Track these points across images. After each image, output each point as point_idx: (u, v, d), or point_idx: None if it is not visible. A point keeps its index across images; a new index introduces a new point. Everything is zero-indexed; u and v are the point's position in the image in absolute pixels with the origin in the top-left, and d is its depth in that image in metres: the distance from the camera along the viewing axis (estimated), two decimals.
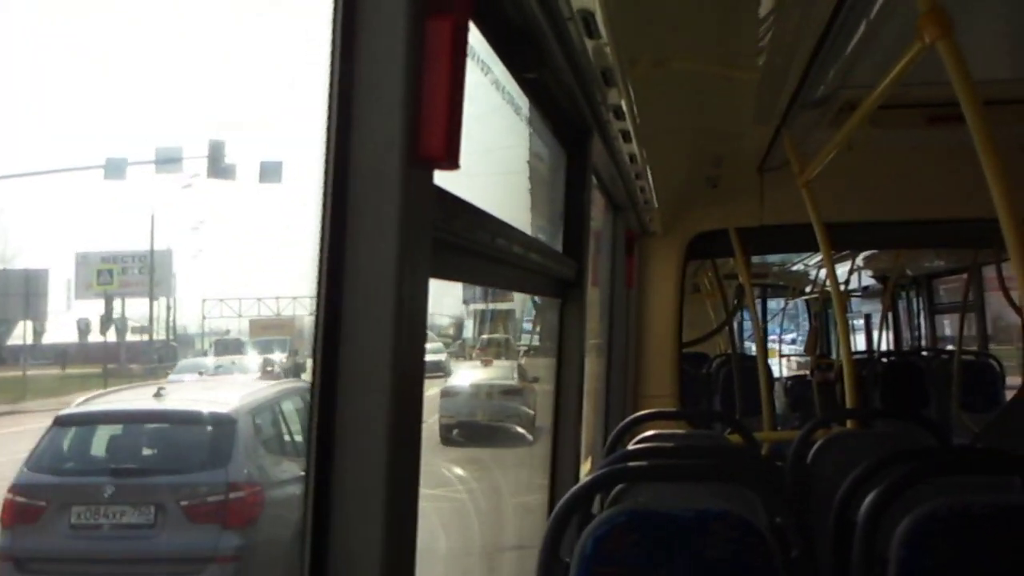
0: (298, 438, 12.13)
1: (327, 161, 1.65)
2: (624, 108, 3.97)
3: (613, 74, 3.54)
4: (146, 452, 12.21)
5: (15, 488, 11.33)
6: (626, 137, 4.46)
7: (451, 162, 1.74)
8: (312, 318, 1.66)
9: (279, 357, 43.43)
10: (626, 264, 6.89)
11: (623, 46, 3.32)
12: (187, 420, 12.41)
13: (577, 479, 4.16)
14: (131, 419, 12.58)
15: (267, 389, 14.82)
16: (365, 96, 1.66)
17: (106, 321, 49.80)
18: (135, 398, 15.10)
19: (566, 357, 4.19)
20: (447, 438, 18.57)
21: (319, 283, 1.65)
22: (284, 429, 12.50)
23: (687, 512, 3.02)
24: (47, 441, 12.00)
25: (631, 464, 3.90)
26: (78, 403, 14.49)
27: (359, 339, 1.66)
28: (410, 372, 1.72)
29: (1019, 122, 5.41)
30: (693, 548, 2.99)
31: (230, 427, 11.68)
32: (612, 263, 6.76)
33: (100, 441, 12.23)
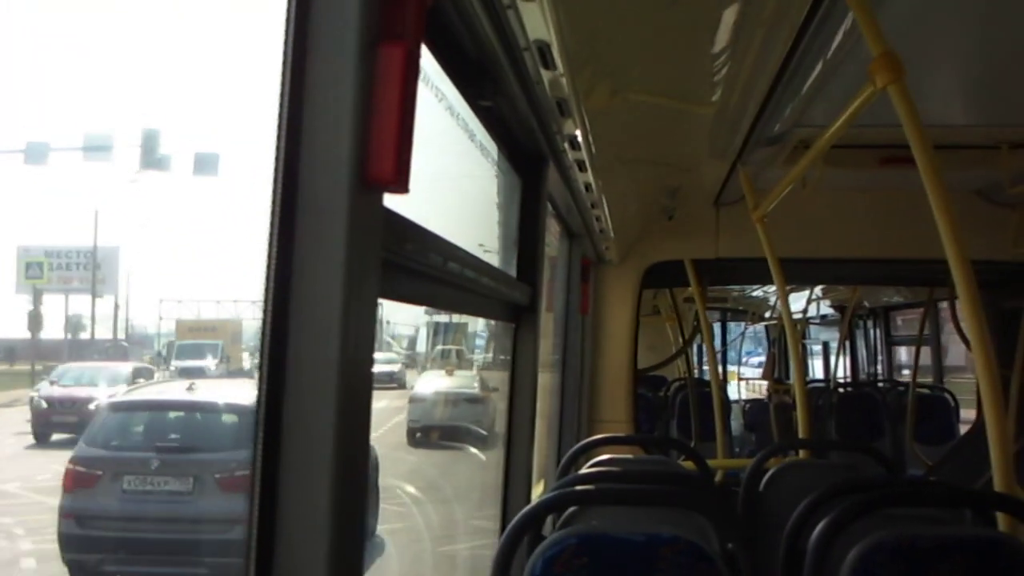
0: None
1: (275, 180, 1.66)
2: (579, 138, 4.01)
3: (568, 104, 3.57)
4: (184, 434, 14.77)
5: (75, 460, 14.19)
6: (581, 167, 4.49)
7: (401, 185, 1.76)
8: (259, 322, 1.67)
9: (210, 363, 41.81)
10: (581, 291, 6.94)
11: (578, 77, 3.36)
12: (216, 410, 15.23)
13: (528, 500, 4.18)
14: (170, 407, 15.56)
15: None
16: (315, 118, 1.67)
17: (34, 317, 48.98)
18: (173, 390, 19.10)
19: (519, 381, 4.21)
20: (414, 440, 20.21)
21: (266, 302, 1.66)
22: None
23: (638, 536, 3.05)
24: (100, 422, 15.19)
25: (582, 487, 3.93)
26: (125, 392, 20.13)
27: (305, 359, 1.66)
28: (357, 393, 1.72)
29: (969, 166, 5.51)
30: (643, 572, 3.01)
31: (250, 416, 13.31)
32: (567, 289, 6.81)
33: (145, 424, 15.10)
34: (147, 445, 14.42)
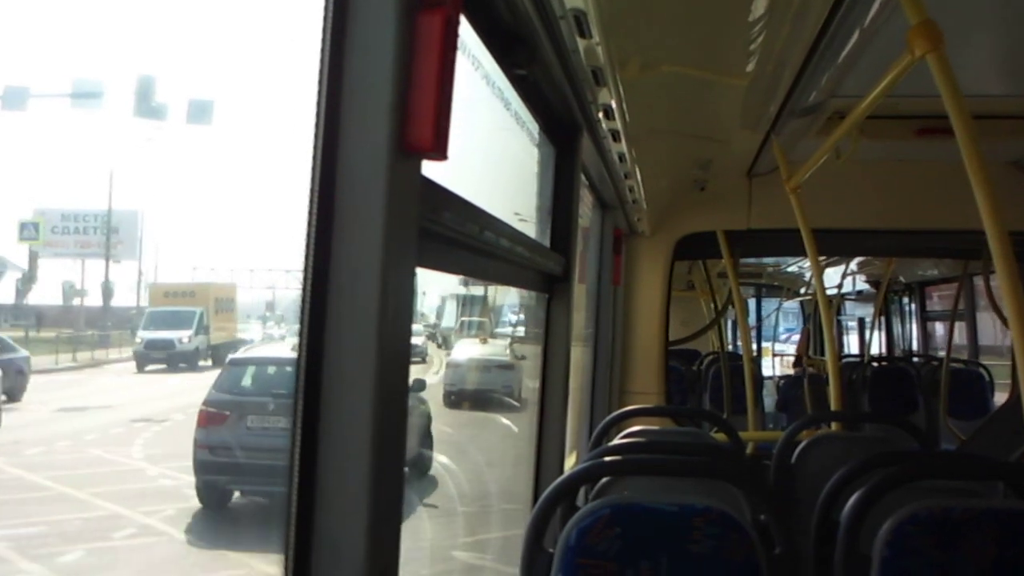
0: None
1: (315, 149, 1.67)
2: (614, 108, 4.00)
3: (603, 74, 3.57)
4: (287, 383, 17.04)
5: (207, 402, 17.72)
6: (615, 137, 4.48)
7: (439, 153, 1.76)
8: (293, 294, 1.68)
9: (184, 336, 38.79)
10: (613, 262, 6.93)
11: (614, 47, 3.35)
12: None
13: (562, 472, 4.19)
14: (274, 363, 19.43)
15: None
16: (355, 86, 1.68)
17: (27, 280, 48.02)
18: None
19: (552, 351, 4.22)
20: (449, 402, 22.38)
21: (305, 270, 1.66)
22: None
23: (671, 506, 3.05)
24: (224, 374, 19.33)
25: (615, 458, 3.93)
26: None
27: (344, 327, 1.67)
28: (396, 361, 1.73)
29: (1007, 137, 5.47)
30: (676, 542, 3.02)
31: None
32: (599, 261, 6.80)
33: (256, 375, 18.98)
34: (263, 391, 17.99)
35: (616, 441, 4.92)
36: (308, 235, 1.66)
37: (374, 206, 1.67)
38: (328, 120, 1.67)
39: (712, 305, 12.27)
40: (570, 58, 3.37)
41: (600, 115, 4.11)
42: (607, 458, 3.82)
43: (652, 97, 4.30)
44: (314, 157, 1.67)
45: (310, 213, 1.67)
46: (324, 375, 1.67)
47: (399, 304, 1.73)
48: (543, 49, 3.11)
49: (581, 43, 3.23)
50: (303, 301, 1.67)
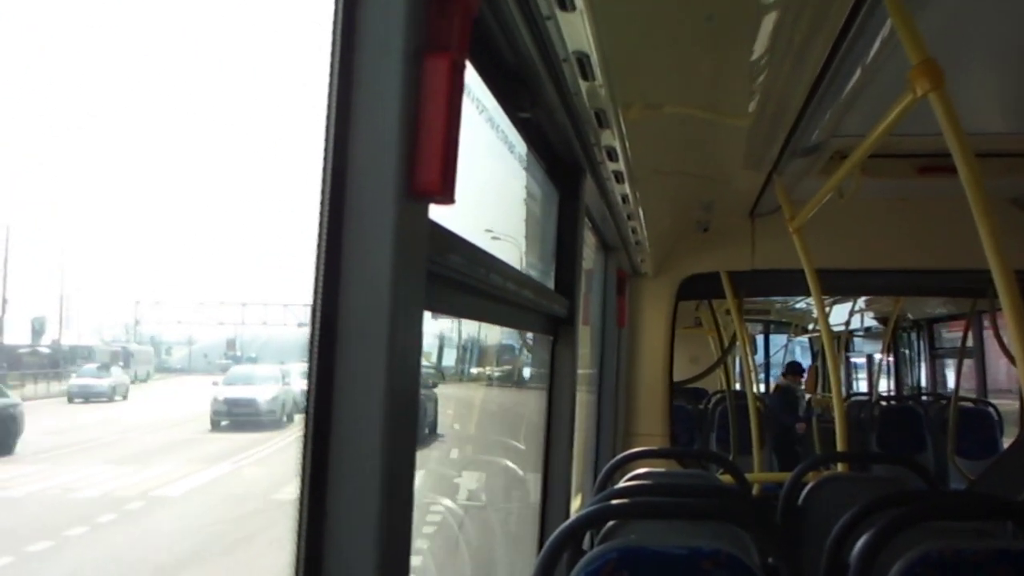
0: None
1: (323, 192, 1.67)
2: (617, 149, 4.01)
3: (606, 115, 3.58)
4: None
5: None
6: (618, 178, 4.49)
7: (447, 196, 1.76)
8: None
9: None
10: (617, 304, 6.93)
11: (617, 88, 3.36)
12: None
13: (567, 515, 4.17)
14: None
15: None
16: (362, 128, 1.68)
17: None
18: None
19: (557, 393, 4.20)
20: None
21: (313, 313, 1.66)
22: None
23: (680, 550, 3.04)
24: None
25: (622, 501, 3.91)
26: None
27: (353, 371, 1.66)
28: (405, 404, 1.73)
29: (1007, 174, 5.48)
30: None
31: None
32: (603, 302, 6.80)
33: None
34: None
35: (621, 484, 4.90)
36: (316, 279, 1.66)
37: (382, 249, 1.66)
38: (336, 163, 1.67)
39: (719, 343, 12.25)
40: (573, 100, 3.38)
41: (603, 156, 4.12)
42: (614, 501, 3.80)
43: (655, 138, 4.31)
44: (321, 201, 1.67)
45: (318, 256, 1.66)
46: (334, 418, 1.66)
47: (408, 347, 1.73)
48: (546, 91, 3.12)
49: (584, 85, 3.24)
50: (311, 343, 1.66)
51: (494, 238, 3.58)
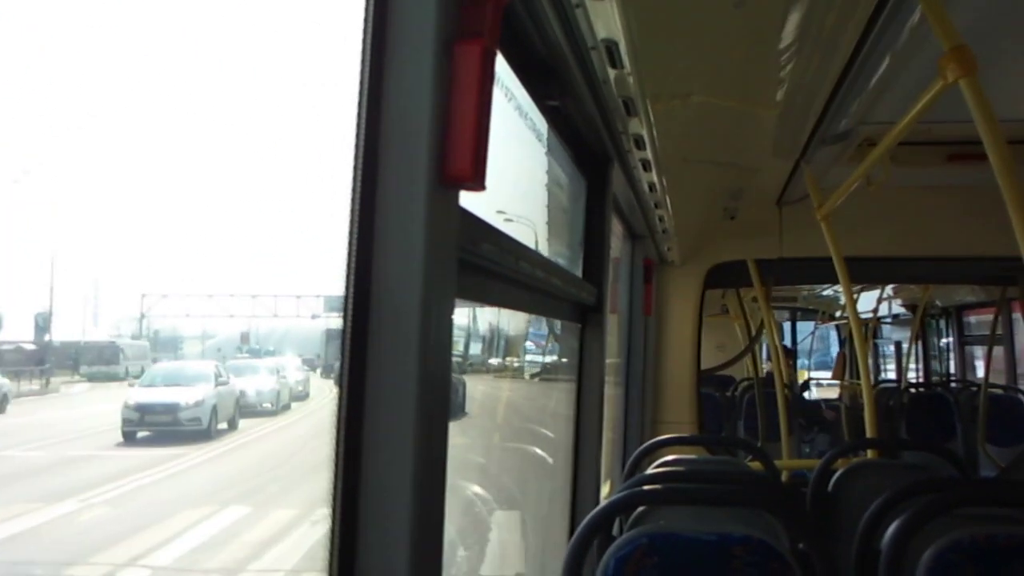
0: None
1: (355, 179, 1.67)
2: (645, 138, 4.01)
3: (635, 104, 3.58)
4: None
5: None
6: (646, 167, 4.49)
7: (478, 183, 1.77)
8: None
9: None
10: (644, 292, 6.93)
11: (645, 77, 3.36)
12: None
13: (597, 501, 4.18)
14: None
15: None
16: (394, 116, 1.68)
17: None
18: None
19: (586, 381, 4.21)
20: None
21: (346, 301, 1.66)
22: None
23: (709, 536, 3.04)
24: None
25: (651, 487, 3.92)
26: None
27: (386, 359, 1.66)
28: (437, 394, 1.73)
29: None
30: (715, 572, 3.00)
31: None
32: (630, 291, 6.81)
33: None
34: None
35: (650, 471, 4.91)
36: (348, 266, 1.67)
37: (414, 237, 1.67)
38: (367, 150, 1.68)
39: (745, 330, 12.23)
40: (601, 89, 3.39)
41: (631, 145, 4.12)
42: (644, 487, 3.81)
43: (682, 127, 4.31)
44: (354, 187, 1.67)
45: (350, 244, 1.67)
46: (367, 407, 1.67)
47: (440, 336, 1.73)
48: (575, 80, 3.12)
49: (612, 73, 3.24)
50: (344, 332, 1.67)
51: (523, 226, 3.59)
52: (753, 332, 11.81)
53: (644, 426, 7.11)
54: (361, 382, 1.66)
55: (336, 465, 1.67)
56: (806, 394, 14.88)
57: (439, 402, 1.75)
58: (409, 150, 1.68)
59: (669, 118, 4.01)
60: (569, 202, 4.31)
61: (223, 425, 32.90)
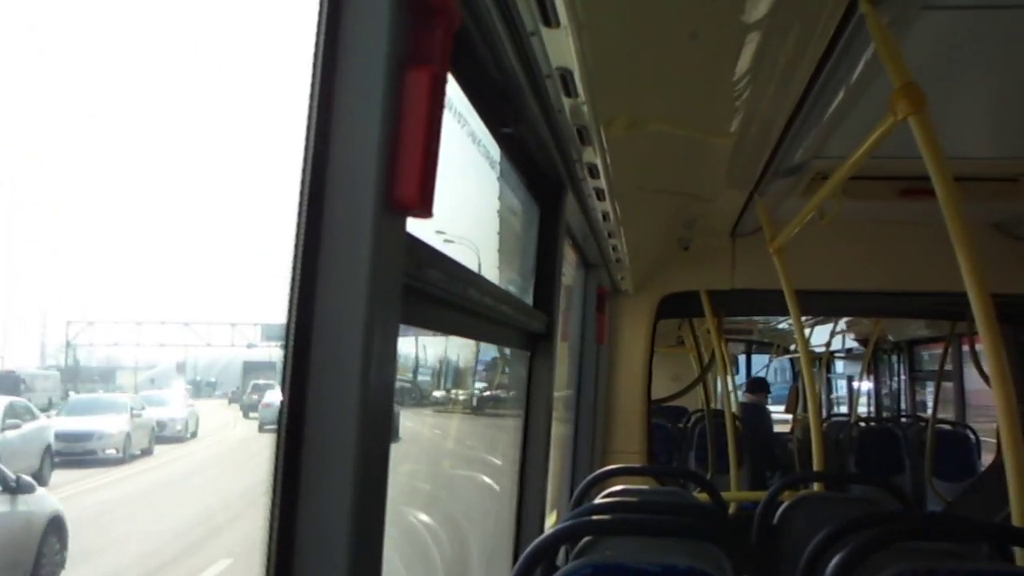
0: None
1: (301, 202, 1.66)
2: (599, 166, 4.01)
3: (589, 132, 3.58)
4: None
5: None
6: (600, 195, 4.49)
7: (425, 210, 1.75)
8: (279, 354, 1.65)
9: None
10: (597, 321, 6.93)
11: (600, 105, 3.36)
12: None
13: (542, 530, 4.16)
14: None
15: None
16: (341, 140, 1.67)
17: None
18: None
19: (534, 409, 4.19)
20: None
21: (288, 325, 1.65)
22: None
23: (654, 567, 3.03)
24: None
25: (598, 517, 3.90)
26: None
27: (326, 385, 1.65)
28: (378, 420, 1.71)
29: (989, 199, 5.49)
30: None
31: None
32: (583, 319, 6.80)
33: None
34: None
35: (598, 500, 4.89)
36: (291, 290, 1.65)
37: (359, 263, 1.65)
38: (314, 173, 1.66)
39: (699, 361, 12.27)
40: (555, 116, 3.38)
41: (585, 173, 4.12)
42: (591, 517, 3.79)
43: (637, 155, 4.31)
44: (300, 210, 1.66)
45: (294, 267, 1.65)
46: (305, 433, 1.65)
47: (383, 362, 1.72)
48: (529, 107, 3.12)
49: (567, 102, 3.24)
50: (285, 357, 1.65)
51: (474, 253, 3.57)
52: (702, 363, 11.85)
53: (594, 455, 7.10)
54: (301, 406, 1.64)
55: (274, 489, 1.64)
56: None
57: (380, 430, 1.73)
58: (356, 174, 1.67)
59: (623, 146, 4.01)
60: (522, 229, 4.30)
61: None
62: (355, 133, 1.67)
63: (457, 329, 3.18)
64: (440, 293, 2.36)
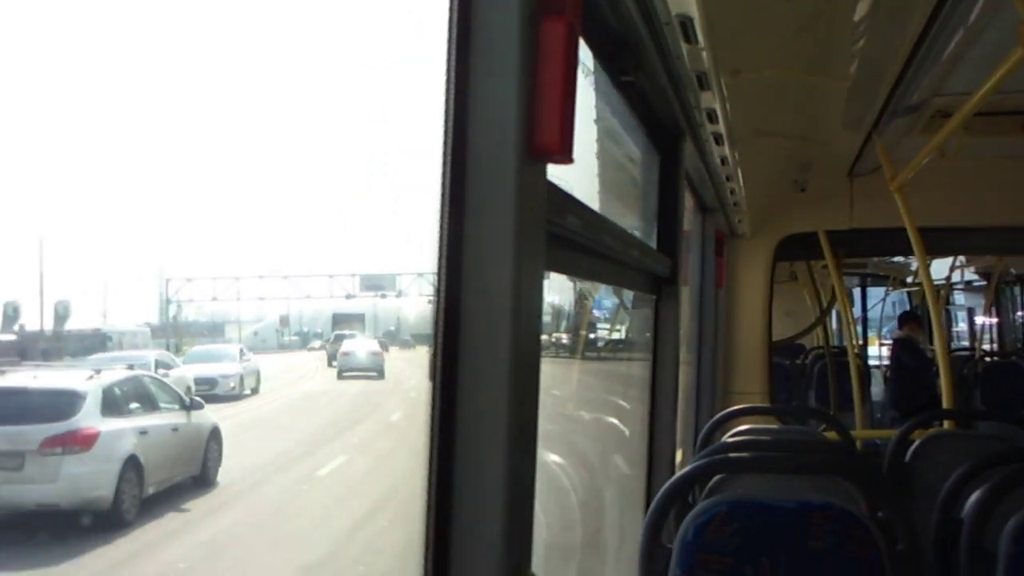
0: None
1: (445, 154, 1.71)
2: (717, 111, 4.03)
3: (708, 78, 3.60)
4: None
5: None
6: (718, 140, 4.51)
7: (565, 155, 1.81)
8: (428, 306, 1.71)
9: None
10: (716, 264, 6.94)
11: (719, 51, 3.38)
12: None
13: (673, 471, 4.22)
14: None
15: None
16: (482, 91, 1.71)
17: None
18: None
19: (661, 352, 4.24)
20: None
21: (438, 275, 1.70)
22: None
23: (788, 503, 3.07)
24: None
25: (735, 455, 3.94)
26: None
27: (478, 332, 1.70)
28: (529, 363, 1.77)
29: None
30: (795, 539, 3.02)
31: None
32: (701, 263, 6.82)
33: None
34: None
35: (729, 440, 4.93)
36: (440, 241, 1.70)
37: (504, 210, 1.70)
38: (457, 125, 1.71)
39: (815, 299, 12.13)
40: (675, 64, 3.41)
41: (703, 119, 4.14)
42: (724, 455, 3.84)
43: (755, 100, 4.33)
44: (444, 163, 1.72)
45: (441, 218, 1.70)
46: (460, 377, 1.71)
47: (530, 307, 1.77)
48: (649, 55, 3.15)
49: (686, 48, 3.26)
50: (436, 305, 1.71)
51: (598, 199, 3.64)
52: (823, 301, 11.70)
53: (715, 396, 7.12)
54: (455, 353, 1.70)
55: (432, 436, 1.71)
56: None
57: (531, 371, 1.79)
58: (498, 124, 1.72)
59: (741, 91, 4.03)
60: (642, 176, 4.35)
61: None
62: (495, 82, 1.72)
63: (591, 274, 3.24)
64: (578, 238, 2.43)
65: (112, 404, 18.97)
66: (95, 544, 16.43)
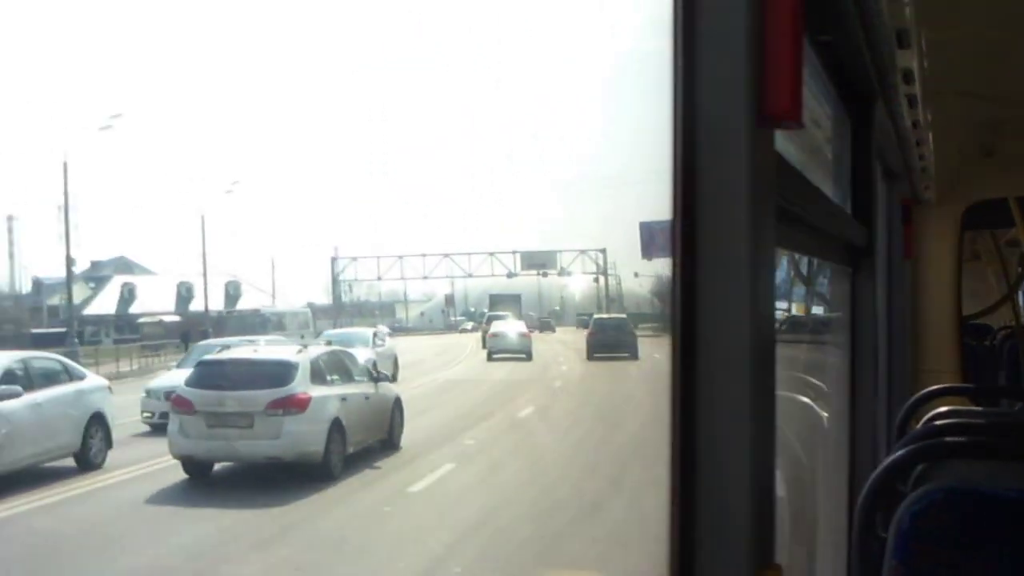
0: None
1: (675, 124, 1.60)
2: (914, 71, 3.84)
3: (908, 34, 3.43)
4: None
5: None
6: (911, 101, 4.31)
7: (796, 120, 1.69)
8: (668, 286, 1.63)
9: None
10: (904, 234, 6.67)
11: (921, 5, 3.21)
12: None
13: (877, 455, 4.03)
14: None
15: None
16: (709, 50, 1.61)
17: None
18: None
19: (860, 328, 4.05)
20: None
21: (674, 251, 1.62)
22: None
23: (1011, 492, 2.87)
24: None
25: (950, 439, 3.72)
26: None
27: (716, 310, 1.63)
28: (766, 349, 1.69)
29: None
30: (1019, 531, 2.84)
31: None
32: (888, 232, 6.56)
33: None
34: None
35: (926, 421, 4.71)
36: (674, 212, 1.61)
37: (735, 183, 1.60)
38: (685, 92, 1.61)
39: (1001, 275, 11.65)
40: (874, 20, 3.25)
41: (898, 79, 3.95)
42: (946, 438, 3.62)
43: (953, 58, 4.11)
44: (674, 133, 1.61)
45: (674, 189, 1.61)
46: (698, 363, 1.64)
47: (765, 288, 1.68)
48: (848, 11, 3.00)
49: (886, 3, 3.10)
50: (673, 282, 1.61)
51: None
52: (1010, 278, 11.21)
53: (906, 375, 6.85)
54: (693, 331, 1.62)
55: (673, 414, 1.63)
56: None
57: (767, 360, 1.69)
58: (727, 86, 1.61)
59: (940, 50, 3.82)
60: (834, 140, 4.16)
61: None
62: (723, 42, 1.62)
63: (796, 245, 3.10)
64: (796, 209, 2.29)
65: (318, 374, 22.63)
66: (311, 491, 20.05)
